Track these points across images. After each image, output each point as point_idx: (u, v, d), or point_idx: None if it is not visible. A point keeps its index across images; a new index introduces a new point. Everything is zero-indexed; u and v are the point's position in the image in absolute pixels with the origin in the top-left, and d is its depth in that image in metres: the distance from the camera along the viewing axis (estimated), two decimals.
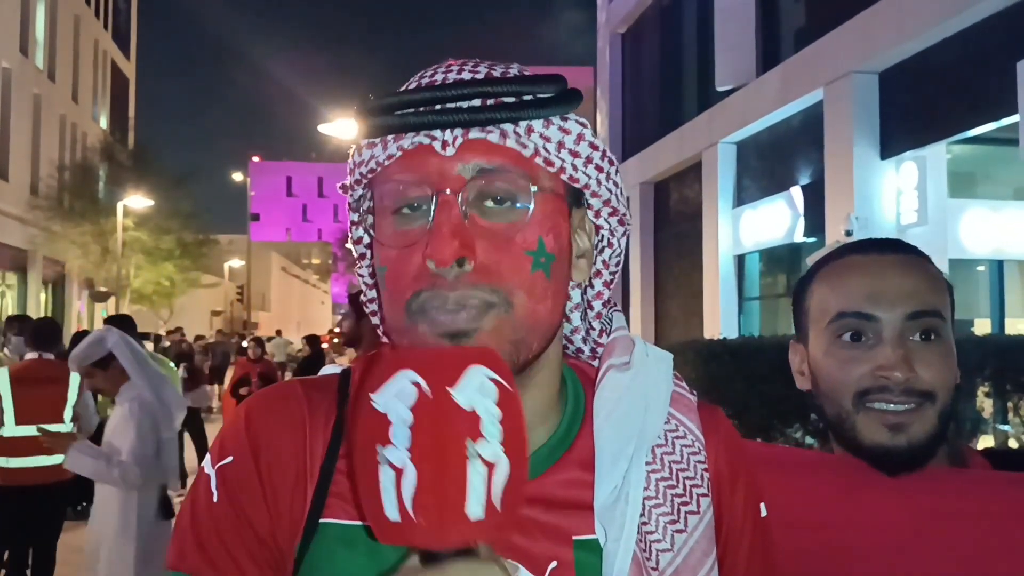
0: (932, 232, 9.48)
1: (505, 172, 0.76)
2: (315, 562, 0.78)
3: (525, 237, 0.76)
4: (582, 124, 0.81)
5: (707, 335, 11.68)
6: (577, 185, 0.81)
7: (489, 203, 0.76)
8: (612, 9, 19.46)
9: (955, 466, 1.13)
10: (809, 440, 6.20)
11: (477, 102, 0.76)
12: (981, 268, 10.53)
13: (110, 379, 3.92)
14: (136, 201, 23.60)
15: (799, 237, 11.42)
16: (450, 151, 0.75)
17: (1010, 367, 6.20)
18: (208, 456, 0.85)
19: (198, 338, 22.18)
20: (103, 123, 30.96)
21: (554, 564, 0.78)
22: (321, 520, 0.79)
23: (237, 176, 49.19)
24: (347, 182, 0.84)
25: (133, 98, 36.06)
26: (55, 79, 25.54)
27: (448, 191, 0.74)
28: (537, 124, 0.78)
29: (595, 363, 0.90)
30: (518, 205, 0.76)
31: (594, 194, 0.83)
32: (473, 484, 0.60)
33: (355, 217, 0.87)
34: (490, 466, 0.61)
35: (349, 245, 0.90)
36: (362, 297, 0.93)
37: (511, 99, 0.77)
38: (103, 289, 24.66)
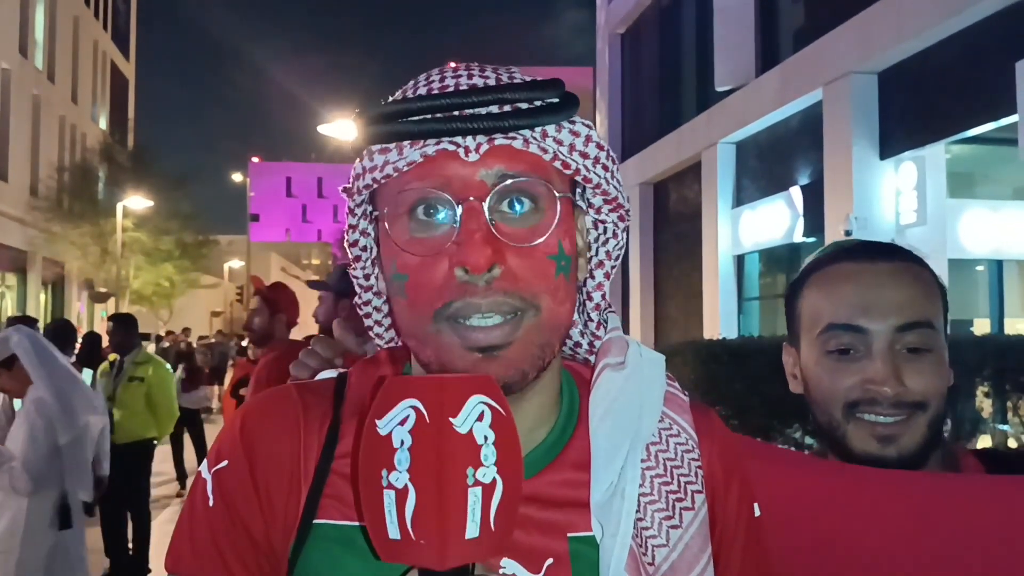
0: (931, 232, 9.49)
1: (527, 177, 0.77)
2: (309, 563, 0.79)
3: (548, 242, 0.77)
4: (588, 126, 0.83)
5: (706, 335, 11.69)
6: (590, 185, 0.83)
7: (511, 209, 0.77)
8: (611, 10, 19.47)
9: (948, 468, 1.13)
10: (809, 441, 6.21)
11: (495, 108, 0.77)
12: (980, 268, 10.54)
13: (15, 379, 3.83)
14: (136, 202, 23.59)
15: (798, 237, 11.42)
16: (473, 157, 0.75)
17: (1009, 367, 6.20)
18: (206, 460, 0.86)
19: (202, 338, 22.15)
20: (102, 124, 30.95)
21: (550, 561, 0.79)
22: (315, 521, 0.80)
23: (236, 177, 49.12)
24: (355, 185, 0.83)
25: (132, 99, 36.06)
26: (54, 80, 25.54)
27: (472, 198, 0.75)
28: (551, 128, 0.79)
29: (591, 359, 0.91)
30: (539, 211, 0.78)
31: (604, 192, 0.85)
32: (472, 507, 0.62)
33: (353, 220, 0.87)
34: (486, 488, 0.63)
35: (346, 245, 0.90)
36: (356, 299, 0.93)
37: (525, 105, 0.78)
38: (103, 290, 24.66)
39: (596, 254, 0.91)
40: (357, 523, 0.79)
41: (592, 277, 0.90)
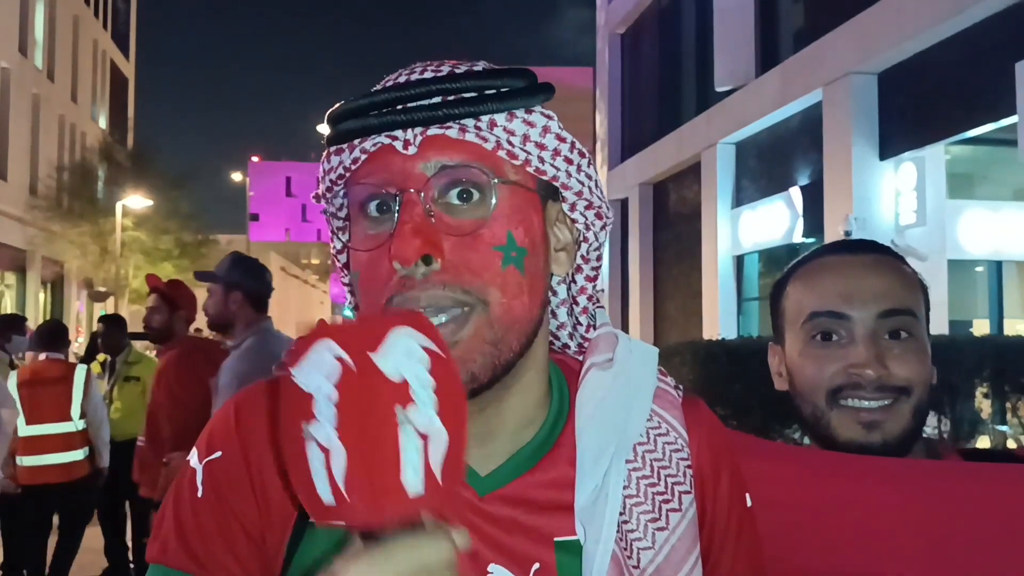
0: (931, 233, 9.50)
1: (467, 167, 0.75)
2: (305, 559, 0.78)
3: (493, 232, 0.75)
4: (548, 116, 0.80)
5: (706, 336, 11.68)
6: (545, 177, 0.80)
7: (454, 200, 0.75)
8: (611, 10, 19.47)
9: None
10: (807, 441, 6.20)
11: (437, 99, 0.75)
12: (980, 269, 10.54)
13: None
14: (135, 201, 23.57)
15: (798, 238, 11.42)
16: (412, 150, 0.75)
17: (1009, 368, 6.20)
18: (195, 449, 0.84)
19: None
20: (102, 123, 30.94)
21: (537, 566, 0.78)
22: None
23: (236, 176, 49.18)
24: (319, 191, 0.84)
25: (132, 98, 36.04)
26: (54, 79, 25.53)
27: (412, 190, 0.74)
28: (500, 118, 0.77)
29: (581, 358, 0.89)
30: (484, 201, 0.76)
31: (564, 186, 0.82)
32: (408, 456, 0.58)
33: (332, 226, 0.87)
34: (425, 437, 0.58)
35: (333, 254, 0.89)
36: (348, 305, 0.93)
37: (471, 94, 0.76)
38: (102, 289, 24.64)
39: (575, 258, 0.88)
40: None
41: (574, 282, 0.88)
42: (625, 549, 0.79)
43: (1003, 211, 10.18)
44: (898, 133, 9.80)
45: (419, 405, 0.58)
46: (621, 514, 0.80)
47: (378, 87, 0.80)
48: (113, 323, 6.31)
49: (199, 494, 0.81)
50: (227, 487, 0.81)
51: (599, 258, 0.88)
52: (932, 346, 1.15)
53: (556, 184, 0.81)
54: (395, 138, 0.75)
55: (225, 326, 3.36)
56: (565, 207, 0.84)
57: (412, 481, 0.58)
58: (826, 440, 1.11)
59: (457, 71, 0.78)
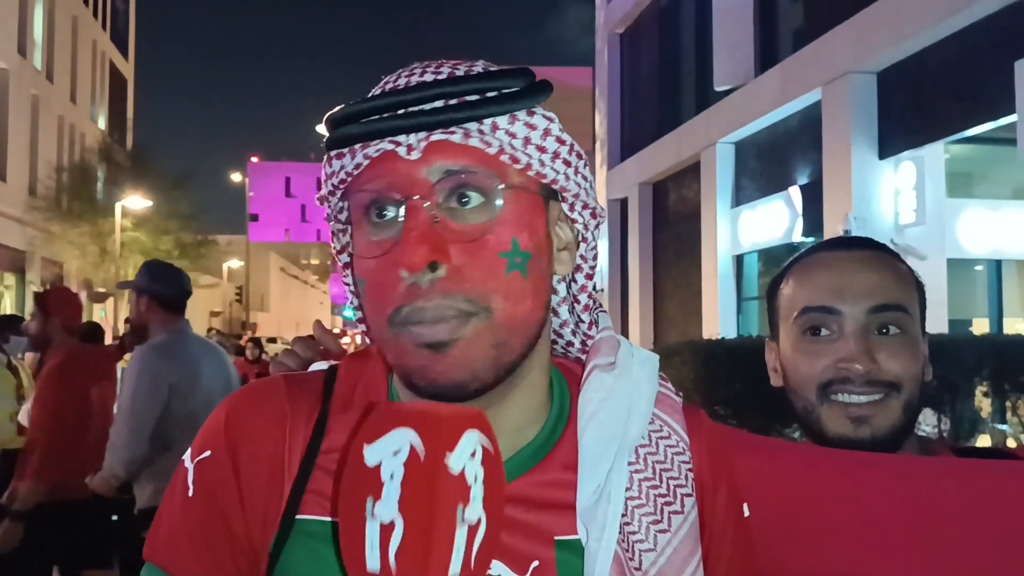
0: (930, 232, 9.50)
1: (471, 172, 0.75)
2: (290, 558, 0.78)
3: (498, 239, 0.75)
4: (549, 119, 0.79)
5: (706, 335, 11.68)
6: (545, 181, 0.80)
7: (459, 205, 0.75)
8: (611, 9, 19.47)
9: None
10: (804, 435, 6.20)
11: (439, 103, 0.75)
12: (979, 268, 10.55)
13: None
14: (134, 202, 23.58)
15: (797, 237, 11.42)
16: (415, 155, 0.74)
17: (1008, 367, 6.21)
18: (189, 450, 0.85)
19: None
20: (101, 124, 30.93)
21: (536, 564, 0.78)
22: (298, 516, 0.79)
23: (236, 176, 49.17)
24: (323, 194, 0.83)
25: (131, 99, 36.03)
26: (53, 80, 25.52)
27: (416, 196, 0.73)
28: (502, 120, 0.76)
29: (583, 357, 0.90)
30: (488, 206, 0.75)
31: (563, 189, 0.82)
32: (457, 546, 0.61)
33: (334, 227, 0.87)
34: (472, 527, 0.62)
35: (333, 253, 0.89)
36: (350, 305, 0.92)
37: (474, 97, 0.76)
38: (101, 290, 24.64)
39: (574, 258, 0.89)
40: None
41: (575, 280, 0.89)
42: (627, 550, 0.79)
43: (1002, 210, 10.19)
44: (897, 132, 9.81)
45: (473, 502, 0.63)
46: (623, 515, 0.80)
47: (377, 90, 0.79)
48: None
49: (190, 493, 0.82)
50: (215, 487, 0.81)
51: (595, 257, 0.89)
52: (931, 345, 1.15)
53: (555, 187, 0.81)
54: (398, 143, 0.74)
55: (143, 329, 3.46)
56: (565, 207, 0.85)
57: (454, 565, 0.61)
58: (817, 435, 1.12)
59: (457, 73, 0.78)
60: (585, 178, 0.84)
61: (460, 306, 0.73)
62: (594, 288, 0.90)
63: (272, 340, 28.33)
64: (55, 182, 24.01)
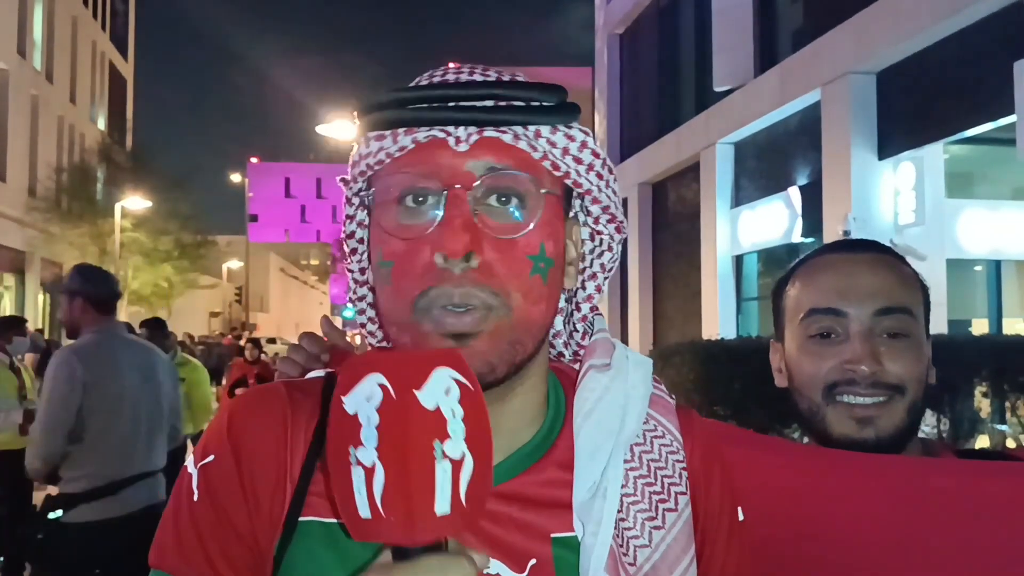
0: (929, 232, 9.50)
1: (514, 173, 0.78)
2: (294, 560, 0.79)
3: (529, 241, 0.78)
4: (585, 133, 0.83)
5: (705, 335, 11.69)
6: (580, 190, 0.83)
7: (495, 203, 0.78)
8: (610, 10, 19.47)
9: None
10: (807, 441, 6.20)
11: (490, 103, 0.78)
12: (979, 268, 10.55)
13: None
14: (134, 202, 23.57)
15: (797, 237, 11.43)
16: (463, 147, 0.76)
17: (1008, 367, 6.21)
18: (192, 455, 0.86)
19: (202, 339, 22.12)
20: (101, 124, 30.92)
21: (533, 561, 0.79)
22: (301, 518, 0.80)
23: (235, 177, 49.17)
24: (351, 173, 0.85)
25: (131, 99, 36.03)
26: (53, 80, 25.52)
27: (458, 186, 0.76)
28: (544, 129, 0.80)
29: (576, 366, 0.91)
30: (523, 207, 0.78)
31: (595, 200, 0.86)
32: (440, 482, 0.61)
33: (350, 211, 0.88)
34: (455, 463, 0.62)
35: (342, 238, 0.91)
36: (350, 295, 0.93)
37: (521, 103, 0.79)
38: None
39: (590, 265, 0.92)
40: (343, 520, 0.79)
41: (583, 288, 0.91)
42: (622, 546, 0.81)
43: (1002, 210, 10.19)
44: (897, 132, 9.81)
45: (452, 437, 0.62)
46: (619, 512, 0.81)
47: (424, 81, 0.81)
48: (155, 327, 6.55)
49: (195, 498, 0.82)
50: (219, 490, 0.82)
51: (612, 270, 0.92)
52: (931, 345, 1.16)
53: (588, 197, 0.85)
54: (448, 134, 0.77)
55: (76, 330, 3.59)
56: (589, 220, 0.89)
57: (441, 504, 0.62)
58: (821, 436, 1.13)
59: (504, 78, 0.81)
60: (615, 192, 0.87)
61: (485, 298, 0.76)
62: (596, 298, 0.92)
63: (272, 340, 28.30)
64: (55, 183, 23.99)
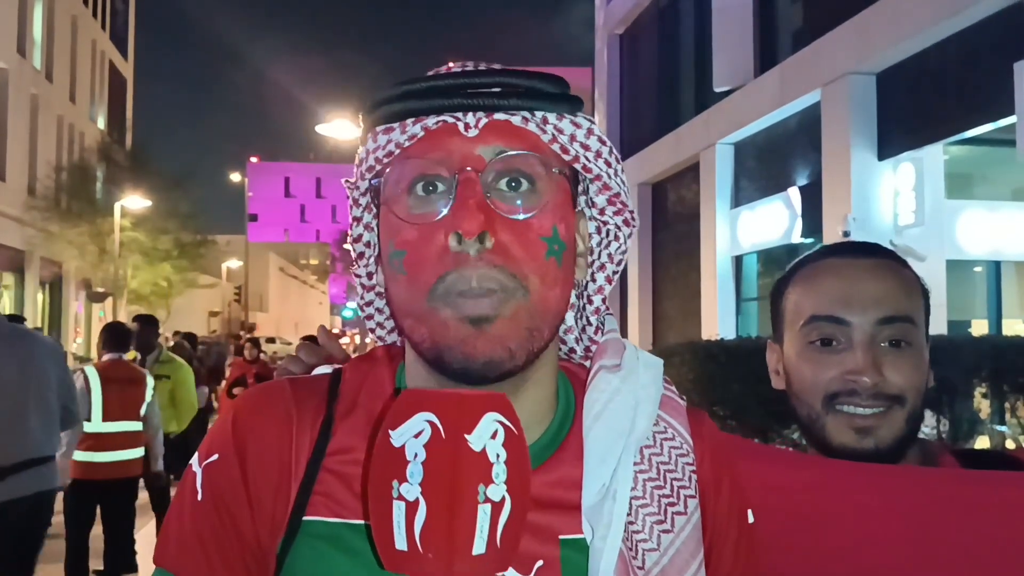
0: (929, 233, 9.50)
1: (525, 156, 0.78)
2: (298, 560, 0.79)
3: (541, 223, 0.78)
4: (590, 120, 0.84)
5: (705, 336, 11.69)
6: (590, 176, 0.84)
7: (507, 187, 0.78)
8: (610, 10, 19.47)
9: (925, 465, 1.14)
10: (806, 441, 6.20)
11: (497, 89, 0.78)
12: (978, 269, 10.55)
13: None
14: (133, 202, 23.57)
15: (797, 238, 11.43)
16: (472, 132, 0.77)
17: (1007, 368, 6.20)
18: (196, 454, 0.86)
19: (202, 340, 22.09)
20: (100, 123, 30.93)
21: (540, 563, 0.78)
22: (304, 518, 0.80)
23: (235, 176, 49.12)
24: (358, 171, 0.85)
25: (131, 98, 36.03)
26: (52, 80, 25.52)
27: (469, 169, 0.76)
28: (551, 116, 0.81)
29: (587, 363, 0.90)
30: (535, 191, 0.79)
31: (605, 187, 0.86)
32: (480, 523, 0.63)
33: (357, 212, 0.88)
34: (496, 505, 0.64)
35: (347, 245, 0.90)
36: (358, 301, 0.93)
37: (527, 90, 0.79)
38: (100, 290, 24.63)
39: (599, 257, 0.91)
40: (346, 520, 0.79)
41: (593, 280, 0.90)
42: (630, 549, 0.80)
43: (1002, 211, 10.19)
44: (897, 133, 9.81)
45: (496, 481, 0.65)
46: (627, 514, 0.80)
47: (431, 73, 0.82)
48: (147, 323, 6.62)
49: (199, 497, 0.82)
50: (223, 490, 0.82)
51: (621, 262, 0.91)
52: (931, 346, 1.15)
53: (598, 183, 0.85)
54: (458, 119, 0.77)
55: None
56: (595, 211, 0.89)
57: (479, 546, 0.64)
58: (820, 443, 1.12)
59: (510, 69, 0.81)
60: (624, 182, 0.87)
61: (503, 280, 0.75)
62: (608, 291, 0.92)
63: (271, 340, 28.28)
64: (54, 182, 24.00)
